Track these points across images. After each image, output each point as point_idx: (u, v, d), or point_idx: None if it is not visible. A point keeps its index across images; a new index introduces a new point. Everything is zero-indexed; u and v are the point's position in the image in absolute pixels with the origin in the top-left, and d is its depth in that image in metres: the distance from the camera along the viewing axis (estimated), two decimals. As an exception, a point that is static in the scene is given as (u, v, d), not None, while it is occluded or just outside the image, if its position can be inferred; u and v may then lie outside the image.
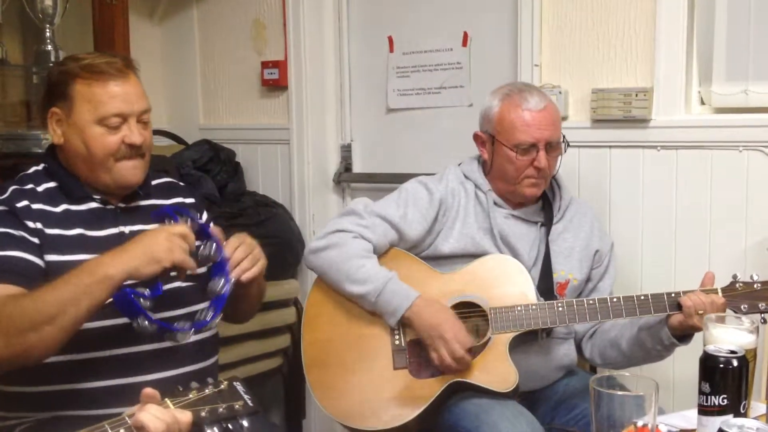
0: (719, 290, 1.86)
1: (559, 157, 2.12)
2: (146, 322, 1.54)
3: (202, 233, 1.68)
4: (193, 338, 1.66)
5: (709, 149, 2.30)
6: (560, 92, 2.49)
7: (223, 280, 1.64)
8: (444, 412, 1.98)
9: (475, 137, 2.17)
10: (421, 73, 2.94)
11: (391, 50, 3.00)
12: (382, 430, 1.98)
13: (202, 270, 1.72)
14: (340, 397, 2.04)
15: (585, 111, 2.48)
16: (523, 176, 2.07)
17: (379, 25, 3.02)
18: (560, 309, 1.95)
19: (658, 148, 2.38)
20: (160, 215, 1.71)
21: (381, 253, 2.09)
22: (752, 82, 2.27)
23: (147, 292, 1.57)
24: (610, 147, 2.46)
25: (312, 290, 2.13)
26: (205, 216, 1.88)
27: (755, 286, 1.85)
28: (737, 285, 1.86)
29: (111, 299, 1.54)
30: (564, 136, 2.11)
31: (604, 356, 2.10)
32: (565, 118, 2.50)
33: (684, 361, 2.23)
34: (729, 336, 1.39)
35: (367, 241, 2.05)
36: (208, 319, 1.63)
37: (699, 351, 1.35)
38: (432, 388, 1.97)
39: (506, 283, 2.02)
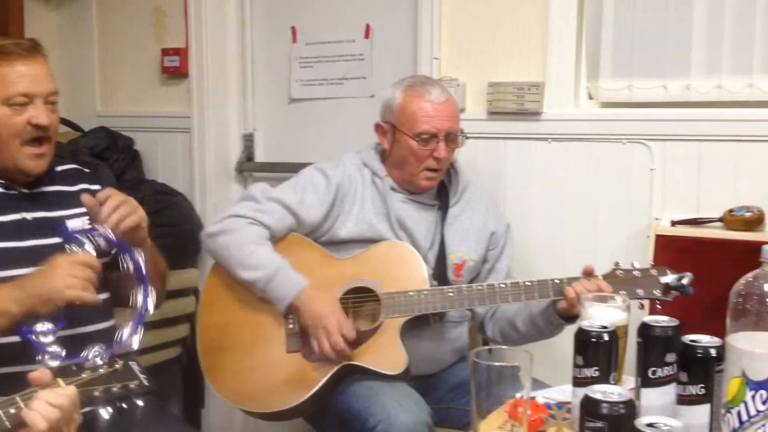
0: (599, 277, 1.92)
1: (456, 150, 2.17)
2: (48, 359, 1.51)
3: (112, 246, 1.65)
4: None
5: (595, 141, 2.41)
6: (458, 85, 2.56)
7: (141, 296, 1.61)
8: (337, 394, 2.01)
9: (377, 127, 2.20)
10: (324, 63, 2.95)
11: (294, 41, 3.00)
12: (275, 411, 2.01)
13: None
14: (233, 381, 2.05)
15: (482, 103, 2.56)
16: (422, 168, 2.11)
17: (283, 15, 3.02)
18: (450, 294, 2.00)
19: (549, 140, 2.47)
20: (65, 237, 1.65)
21: (279, 239, 2.10)
22: (636, 78, 2.39)
23: (48, 327, 1.54)
24: (505, 138, 2.54)
25: (209, 274, 2.13)
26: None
27: (635, 273, 1.92)
28: (617, 272, 1.93)
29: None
30: (462, 130, 2.16)
31: (503, 335, 2.16)
32: (462, 110, 2.56)
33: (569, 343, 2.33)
34: (603, 313, 1.47)
35: (264, 227, 2.06)
36: (124, 338, 1.60)
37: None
38: (324, 370, 1.99)
39: (400, 268, 2.06)
